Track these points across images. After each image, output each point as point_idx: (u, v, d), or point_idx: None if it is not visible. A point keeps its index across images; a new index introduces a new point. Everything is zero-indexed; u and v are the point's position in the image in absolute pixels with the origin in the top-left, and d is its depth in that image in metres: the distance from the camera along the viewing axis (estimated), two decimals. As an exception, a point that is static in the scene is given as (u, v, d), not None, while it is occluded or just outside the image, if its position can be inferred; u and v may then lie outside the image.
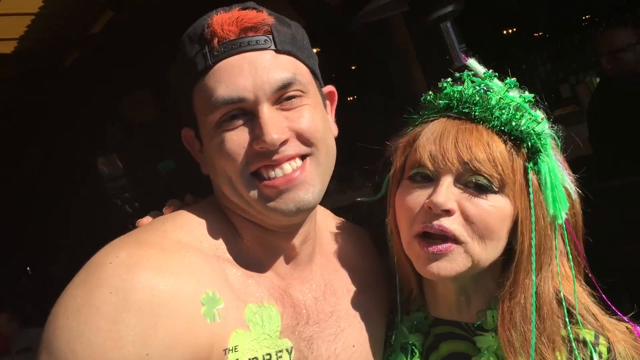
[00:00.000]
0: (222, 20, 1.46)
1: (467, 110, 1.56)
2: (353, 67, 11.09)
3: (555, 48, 11.15)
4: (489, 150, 1.49)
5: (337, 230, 1.87)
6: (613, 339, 1.54)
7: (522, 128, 1.52)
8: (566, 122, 5.88)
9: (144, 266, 1.33)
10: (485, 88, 1.60)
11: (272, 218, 1.52)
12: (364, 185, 7.03)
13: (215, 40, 1.45)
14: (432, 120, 1.61)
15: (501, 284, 1.57)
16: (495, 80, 1.62)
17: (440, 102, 1.62)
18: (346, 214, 1.98)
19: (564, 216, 1.55)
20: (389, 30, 5.93)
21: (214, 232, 1.54)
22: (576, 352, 1.51)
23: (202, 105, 1.48)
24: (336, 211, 1.97)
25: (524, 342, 1.49)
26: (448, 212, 1.49)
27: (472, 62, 1.67)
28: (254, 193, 1.47)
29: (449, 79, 1.66)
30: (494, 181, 1.49)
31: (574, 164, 1.65)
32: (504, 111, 1.53)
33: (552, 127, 1.59)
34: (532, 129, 1.53)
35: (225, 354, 1.38)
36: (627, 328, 1.60)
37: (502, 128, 1.52)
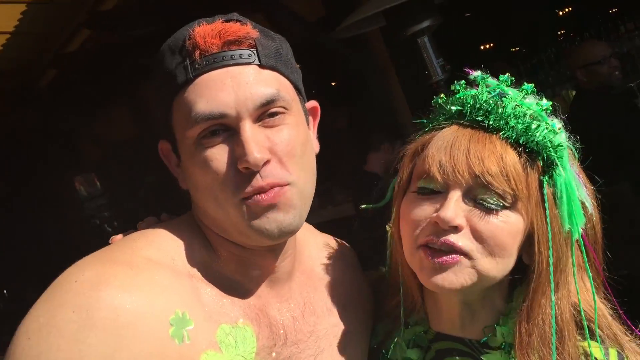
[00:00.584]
0: (205, 32, 1.41)
1: (480, 119, 1.47)
2: (333, 84, 11.12)
3: (531, 63, 11.30)
4: (502, 164, 1.39)
5: (318, 246, 1.81)
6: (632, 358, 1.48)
7: (539, 140, 1.43)
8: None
9: (110, 284, 1.26)
10: (500, 93, 1.50)
11: (255, 240, 1.46)
12: (345, 200, 7.03)
13: (197, 53, 1.40)
14: (442, 128, 1.52)
15: (509, 300, 1.52)
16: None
17: (453, 107, 1.53)
18: (328, 228, 1.95)
19: (581, 231, 1.48)
20: (367, 45, 5.97)
21: (188, 249, 1.48)
22: None
23: (182, 120, 1.43)
24: (318, 226, 1.93)
25: None
26: (456, 229, 1.41)
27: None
28: (241, 212, 1.41)
29: (462, 82, 1.57)
30: (507, 196, 1.41)
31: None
32: (519, 120, 1.44)
33: (569, 137, 1.51)
34: (549, 140, 1.44)
35: None
36: None
37: (518, 139, 1.44)
